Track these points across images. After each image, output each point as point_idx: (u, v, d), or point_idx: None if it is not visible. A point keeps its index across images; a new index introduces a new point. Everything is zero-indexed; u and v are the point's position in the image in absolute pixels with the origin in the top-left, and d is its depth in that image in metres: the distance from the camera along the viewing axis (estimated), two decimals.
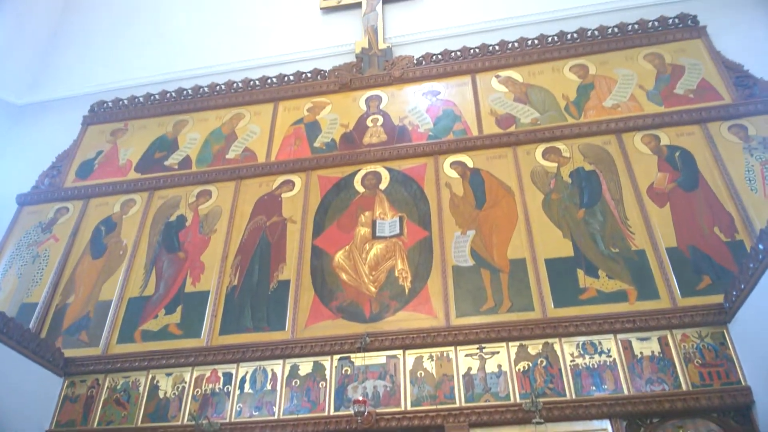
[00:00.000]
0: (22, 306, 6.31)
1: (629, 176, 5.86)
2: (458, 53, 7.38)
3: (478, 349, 5.04)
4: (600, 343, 4.90)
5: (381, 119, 7.06)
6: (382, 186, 6.44)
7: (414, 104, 7.12)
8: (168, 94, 7.97)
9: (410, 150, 6.61)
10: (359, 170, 6.63)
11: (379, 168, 6.60)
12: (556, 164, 6.16)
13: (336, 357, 5.28)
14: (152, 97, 8.00)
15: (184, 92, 7.94)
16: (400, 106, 7.16)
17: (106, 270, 6.40)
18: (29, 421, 5.24)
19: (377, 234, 6.05)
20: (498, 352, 4.99)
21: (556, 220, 5.73)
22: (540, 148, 6.30)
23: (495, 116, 6.71)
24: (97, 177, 7.32)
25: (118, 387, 5.51)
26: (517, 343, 5.01)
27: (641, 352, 4.79)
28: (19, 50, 8.90)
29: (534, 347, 4.98)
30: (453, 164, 6.41)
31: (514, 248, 5.60)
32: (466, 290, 5.43)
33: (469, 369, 4.95)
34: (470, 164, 6.37)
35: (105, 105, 8.13)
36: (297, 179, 6.73)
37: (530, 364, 4.89)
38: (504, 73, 7.10)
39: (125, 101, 8.08)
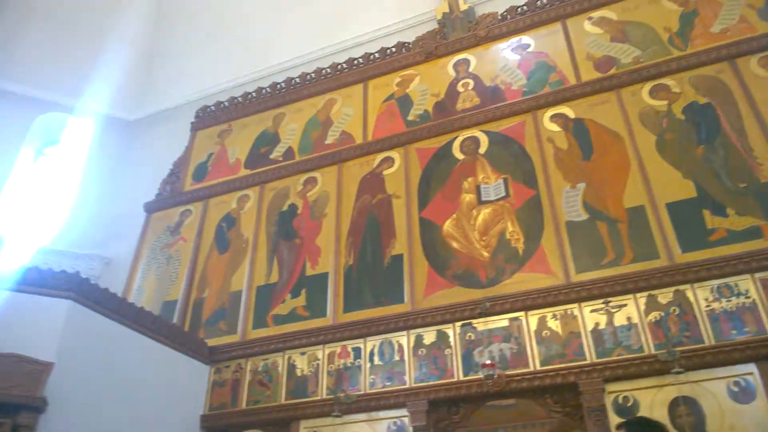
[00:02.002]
0: (164, 304, 6.91)
1: (749, 104, 5.40)
2: (544, 1, 7.07)
3: (603, 303, 4.90)
4: (736, 284, 4.62)
5: (472, 83, 6.95)
6: (482, 150, 6.37)
7: (504, 62, 6.93)
8: (263, 90, 8.30)
9: (506, 109, 6.47)
10: (456, 137, 6.59)
11: (476, 132, 6.52)
12: (666, 102, 5.79)
13: (458, 324, 5.35)
14: (249, 96, 8.38)
15: (278, 86, 8.24)
16: (489, 66, 7.00)
17: (232, 263, 6.87)
18: (186, 408, 5.75)
19: (483, 199, 6.02)
20: (626, 305, 4.84)
21: (674, 161, 5.40)
22: (646, 88, 5.94)
23: (592, 61, 6.39)
24: (212, 178, 7.82)
25: (260, 369, 5.92)
26: (646, 294, 4.83)
27: None
28: (122, 71, 9.50)
29: (664, 296, 4.77)
30: (553, 117, 6.20)
31: (630, 196, 5.36)
32: (583, 245, 5.29)
33: (597, 324, 4.84)
34: (571, 115, 6.13)
35: (208, 109, 8.62)
36: (396, 155, 6.81)
37: (662, 314, 4.70)
38: (596, 14, 6.72)
39: (226, 103, 8.53)
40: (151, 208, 7.94)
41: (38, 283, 4.53)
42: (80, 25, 9.08)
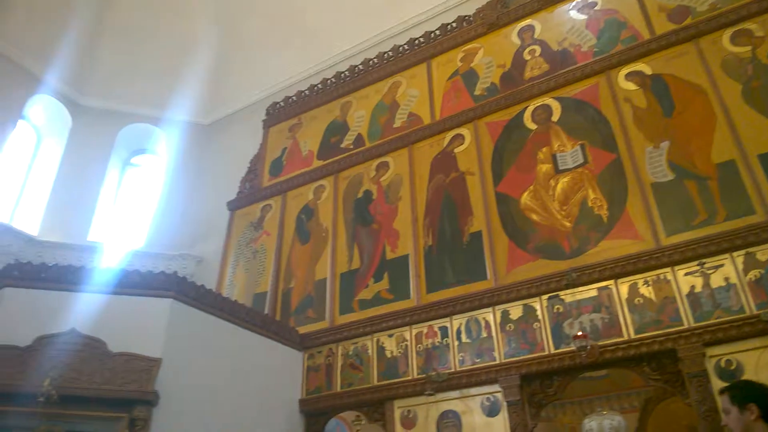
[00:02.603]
0: (255, 296, 7.23)
1: None
2: None
3: (698, 265, 4.68)
4: None
5: (539, 49, 6.75)
6: (555, 118, 6.19)
7: (571, 23, 6.68)
8: (328, 81, 8.43)
9: (577, 73, 6.24)
10: (527, 107, 6.43)
11: (548, 100, 6.34)
12: (749, 48, 5.41)
13: (544, 297, 5.27)
14: (315, 88, 8.53)
15: (342, 75, 8.32)
16: (555, 29, 6.76)
17: (315, 253, 7.07)
18: (285, 393, 6.00)
19: (560, 168, 5.87)
20: (722, 265, 4.60)
21: (763, 110, 5.05)
22: (727, 34, 5.57)
23: (665, 12, 6.05)
24: (288, 171, 8.06)
25: (350, 353, 6.09)
26: (743, 252, 4.57)
27: None
28: (195, 78, 9.86)
29: (763, 253, 4.50)
30: (628, 76, 5.93)
31: (719, 151, 5.07)
32: (671, 206, 5.06)
33: (693, 287, 4.64)
34: (648, 71, 5.84)
35: (278, 105, 8.86)
36: (465, 131, 6.74)
37: (762, 272, 4.44)
38: None
39: (294, 97, 8.73)
40: (233, 206, 8.28)
41: (140, 284, 4.86)
42: (153, 38, 9.52)
